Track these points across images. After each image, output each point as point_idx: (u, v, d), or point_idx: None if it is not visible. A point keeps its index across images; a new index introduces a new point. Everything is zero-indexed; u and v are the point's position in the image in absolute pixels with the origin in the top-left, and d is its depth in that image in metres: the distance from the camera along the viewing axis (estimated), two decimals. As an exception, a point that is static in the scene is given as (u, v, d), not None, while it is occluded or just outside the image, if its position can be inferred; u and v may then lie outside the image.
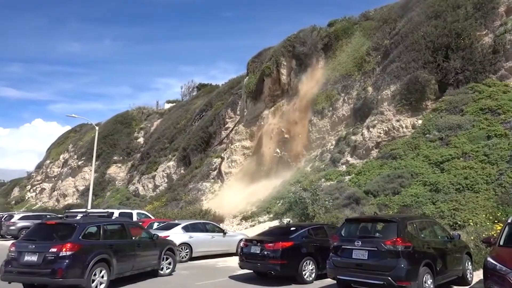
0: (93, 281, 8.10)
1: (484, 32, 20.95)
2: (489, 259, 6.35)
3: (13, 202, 53.97)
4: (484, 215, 12.69)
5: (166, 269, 10.82)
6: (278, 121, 30.18)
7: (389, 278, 6.97)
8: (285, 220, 17.50)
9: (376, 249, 7.29)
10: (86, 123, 51.20)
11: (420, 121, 20.06)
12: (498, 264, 6.08)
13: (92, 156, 30.19)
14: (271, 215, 21.42)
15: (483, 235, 10.49)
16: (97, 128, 28.44)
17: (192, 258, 13.85)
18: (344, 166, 22.12)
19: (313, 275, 9.68)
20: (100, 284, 8.28)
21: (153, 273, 10.42)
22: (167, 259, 10.85)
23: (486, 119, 17.31)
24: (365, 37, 27.23)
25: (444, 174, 15.95)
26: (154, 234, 10.88)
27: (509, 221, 7.34)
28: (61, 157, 53.85)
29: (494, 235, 9.36)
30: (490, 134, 16.47)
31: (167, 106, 52.25)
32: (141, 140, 47.59)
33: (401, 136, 20.33)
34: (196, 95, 50.64)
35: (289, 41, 30.85)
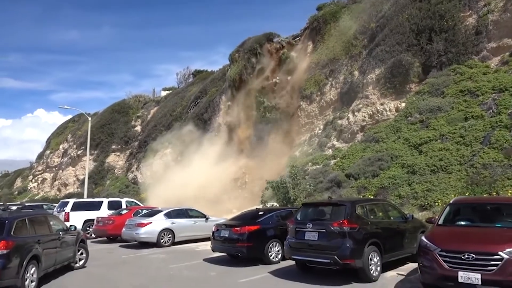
0: (26, 280, 7.55)
1: (468, 13, 20.91)
2: (423, 238, 6.76)
3: (16, 192, 55.05)
4: (453, 195, 13.00)
5: (80, 261, 10.56)
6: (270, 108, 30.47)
7: (335, 256, 7.44)
8: (269, 205, 18.04)
9: (324, 230, 7.75)
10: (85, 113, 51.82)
11: (403, 104, 20.27)
12: (428, 242, 6.50)
13: (91, 145, 30.85)
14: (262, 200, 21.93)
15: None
16: (89, 119, 28.94)
17: (175, 243, 14.48)
18: (330, 150, 22.50)
19: (279, 256, 10.20)
20: (31, 283, 7.76)
21: (69, 267, 10.11)
22: (79, 251, 10.54)
23: (465, 101, 17.48)
24: (352, 20, 27.19)
25: (421, 156, 16.26)
26: (71, 225, 10.51)
27: (451, 202, 7.73)
28: (60, 147, 54.58)
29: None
30: (467, 116, 16.67)
31: (164, 93, 52.54)
32: (138, 128, 48.09)
33: (385, 120, 20.61)
34: (191, 82, 50.84)
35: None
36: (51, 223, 9.30)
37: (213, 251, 11.05)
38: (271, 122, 29.68)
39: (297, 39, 30.94)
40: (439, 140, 16.49)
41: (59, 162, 52.93)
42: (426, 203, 13.65)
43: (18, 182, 59.55)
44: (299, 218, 8.54)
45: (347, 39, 26.37)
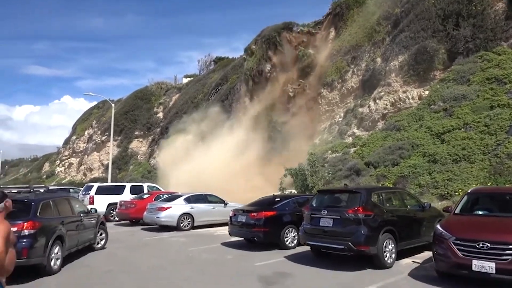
0: (51, 259, 7.87)
1: (498, -3, 20.13)
2: (438, 226, 6.74)
3: (44, 176, 57.16)
4: (474, 185, 12.79)
5: (101, 241, 10.83)
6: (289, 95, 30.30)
7: (349, 243, 7.50)
8: (287, 192, 18.15)
9: (339, 217, 7.81)
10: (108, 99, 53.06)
11: (427, 92, 19.84)
12: (443, 231, 6.48)
13: (115, 131, 31.63)
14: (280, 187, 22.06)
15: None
16: (113, 105, 29.61)
17: (194, 227, 14.84)
18: (350, 138, 22.35)
19: (295, 242, 10.33)
20: (57, 260, 8.07)
21: (91, 248, 10.40)
22: (100, 233, 10.79)
23: (492, 89, 16.98)
24: (376, 6, 26.59)
25: (443, 145, 15.98)
26: (91, 208, 10.73)
27: (469, 191, 7.63)
28: (86, 132, 56.14)
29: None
30: (493, 104, 16.21)
31: (185, 80, 53.04)
32: (160, 115, 48.86)
33: (407, 108, 20.26)
34: (212, 69, 51.07)
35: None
36: (74, 205, 9.59)
37: (231, 236, 11.30)
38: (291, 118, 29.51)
39: (317, 27, 30.46)
40: (462, 129, 16.13)
41: (84, 148, 54.53)
42: (446, 193, 13.47)
43: (46, 166, 61.80)
44: (314, 205, 8.62)
45: (370, 25, 25.85)
